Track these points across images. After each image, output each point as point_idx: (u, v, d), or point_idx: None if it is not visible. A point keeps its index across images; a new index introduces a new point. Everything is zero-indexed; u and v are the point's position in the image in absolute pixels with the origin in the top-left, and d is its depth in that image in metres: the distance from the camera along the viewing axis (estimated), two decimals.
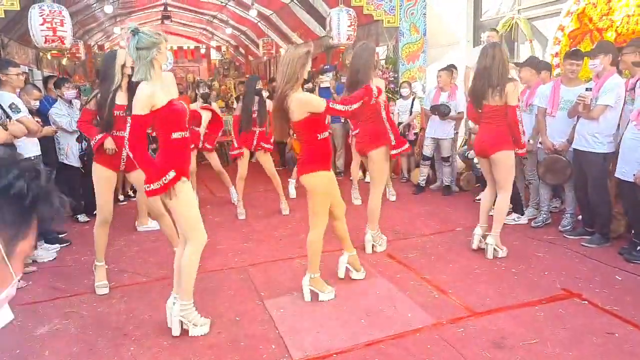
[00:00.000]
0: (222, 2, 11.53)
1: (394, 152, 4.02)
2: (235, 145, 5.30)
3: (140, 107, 2.69)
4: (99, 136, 3.48)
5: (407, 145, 4.14)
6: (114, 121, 3.50)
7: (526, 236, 4.47)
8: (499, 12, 7.12)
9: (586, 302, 3.17)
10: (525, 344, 2.70)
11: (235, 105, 9.14)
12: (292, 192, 6.22)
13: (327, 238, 4.45)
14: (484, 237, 4.02)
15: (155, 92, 2.70)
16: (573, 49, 4.72)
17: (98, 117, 3.54)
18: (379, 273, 3.75)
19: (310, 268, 3.31)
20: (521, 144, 3.87)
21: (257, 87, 5.31)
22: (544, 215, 4.74)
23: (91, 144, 3.53)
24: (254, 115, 5.23)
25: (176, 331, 2.89)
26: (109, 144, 3.47)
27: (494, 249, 3.93)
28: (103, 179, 3.50)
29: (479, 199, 5.67)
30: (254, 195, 6.02)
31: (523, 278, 3.57)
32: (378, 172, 4.09)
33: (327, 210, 3.28)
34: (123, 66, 3.44)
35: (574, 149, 4.25)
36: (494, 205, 4.06)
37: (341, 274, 3.63)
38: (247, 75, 13.51)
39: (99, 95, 3.50)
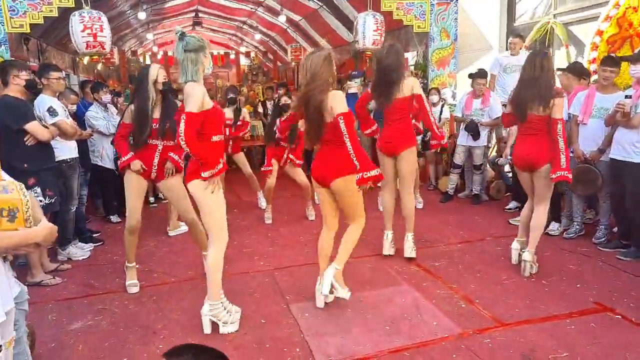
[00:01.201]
0: (251, 8, 11.69)
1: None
2: (265, 162, 5.36)
3: (194, 104, 2.76)
4: (127, 157, 3.55)
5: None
6: (150, 133, 3.59)
7: (558, 247, 4.36)
8: (534, 17, 7.00)
9: (620, 316, 3.07)
10: (555, 358, 2.63)
11: (260, 110, 9.27)
12: (317, 198, 6.23)
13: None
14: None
15: (205, 92, 2.85)
16: (608, 55, 4.59)
17: (133, 131, 3.60)
18: (404, 281, 3.72)
19: (339, 260, 3.25)
20: (559, 164, 3.54)
21: (282, 104, 5.37)
22: (577, 227, 4.61)
23: (119, 160, 3.63)
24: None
25: (207, 329, 2.97)
26: (136, 166, 3.55)
27: (531, 265, 3.75)
28: (134, 186, 3.61)
29: (509, 209, 5.60)
30: (280, 201, 6.06)
31: (554, 290, 3.48)
32: (408, 173, 4.08)
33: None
34: (155, 82, 3.52)
35: (611, 159, 4.13)
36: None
37: (326, 289, 3.24)
38: (275, 81, 13.66)
39: (133, 109, 3.56)
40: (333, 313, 3.22)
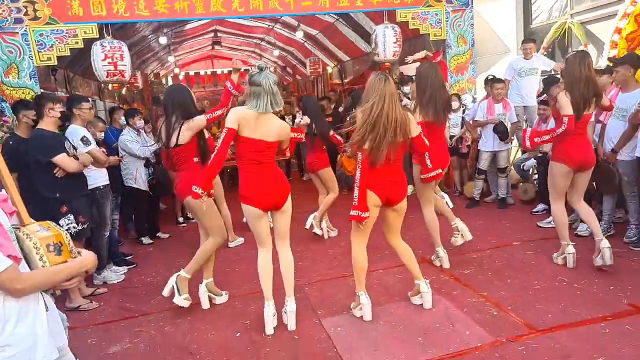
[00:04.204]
0: (269, 25, 11.89)
1: None
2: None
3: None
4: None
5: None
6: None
7: (588, 248, 4.25)
8: (550, 17, 6.93)
9: None
10: None
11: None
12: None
13: (380, 255, 4.48)
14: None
15: None
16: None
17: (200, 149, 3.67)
18: (435, 290, 3.70)
19: (417, 276, 3.48)
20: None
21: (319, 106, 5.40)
22: (605, 225, 4.51)
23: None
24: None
25: (294, 325, 3.29)
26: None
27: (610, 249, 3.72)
28: (212, 206, 3.71)
29: (537, 211, 5.53)
30: (307, 215, 6.09)
31: (586, 293, 3.43)
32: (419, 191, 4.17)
33: None
34: None
35: (638, 157, 4.05)
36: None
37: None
38: (295, 94, 13.80)
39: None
40: (365, 326, 3.24)
